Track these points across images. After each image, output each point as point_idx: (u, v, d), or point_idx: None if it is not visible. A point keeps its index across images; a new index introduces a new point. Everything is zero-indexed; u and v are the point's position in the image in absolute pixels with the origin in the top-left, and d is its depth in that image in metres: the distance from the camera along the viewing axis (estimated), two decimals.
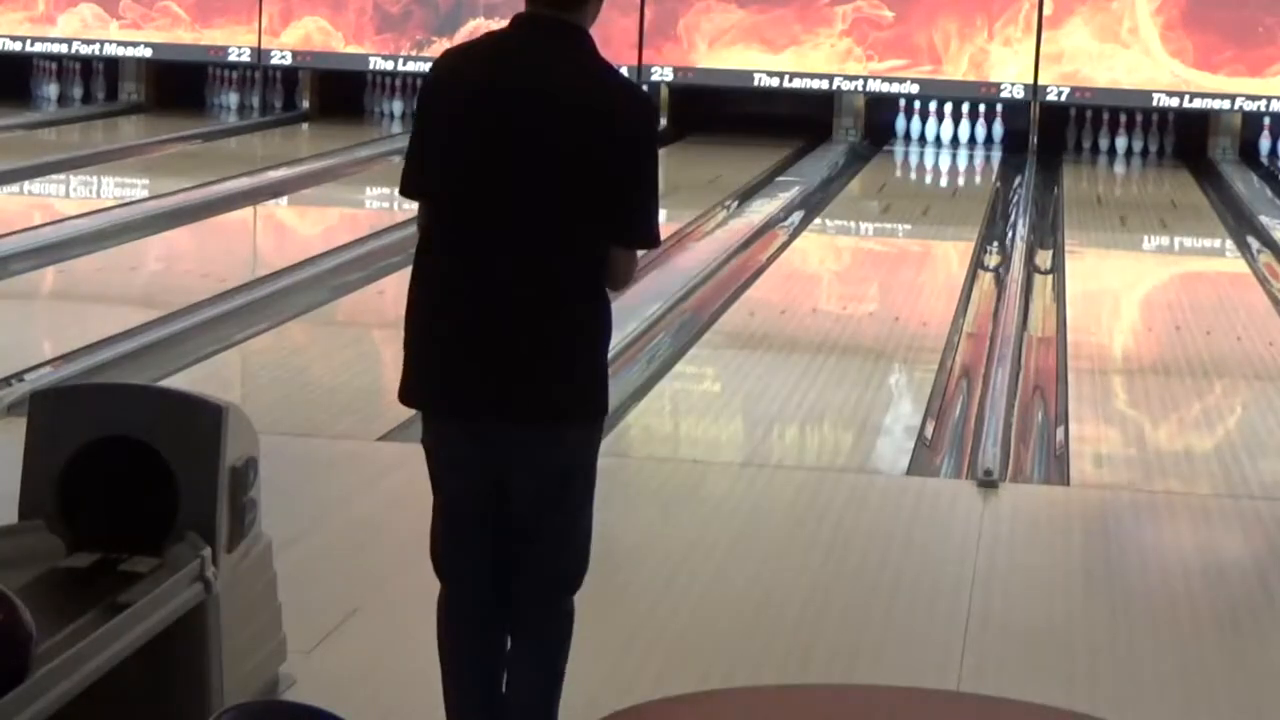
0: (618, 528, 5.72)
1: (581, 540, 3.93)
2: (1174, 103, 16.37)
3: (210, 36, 17.64)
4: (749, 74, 16.46)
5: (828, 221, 13.28)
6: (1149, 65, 16.36)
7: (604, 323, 3.81)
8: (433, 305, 3.77)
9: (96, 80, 18.36)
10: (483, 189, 3.70)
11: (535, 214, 3.67)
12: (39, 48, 17.96)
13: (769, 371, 8.45)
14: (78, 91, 18.38)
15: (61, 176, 13.78)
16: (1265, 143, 16.69)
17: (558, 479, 3.81)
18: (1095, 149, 17.00)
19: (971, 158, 16.79)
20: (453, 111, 3.73)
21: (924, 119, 17.08)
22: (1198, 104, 16.36)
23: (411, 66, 17.43)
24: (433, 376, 3.81)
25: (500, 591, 3.90)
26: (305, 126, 17.58)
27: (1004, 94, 16.60)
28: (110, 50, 17.81)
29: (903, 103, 17.03)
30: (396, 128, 17.58)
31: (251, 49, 17.53)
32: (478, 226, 3.71)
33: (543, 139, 3.65)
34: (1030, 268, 11.27)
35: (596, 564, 4.87)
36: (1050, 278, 11.05)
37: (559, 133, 3.64)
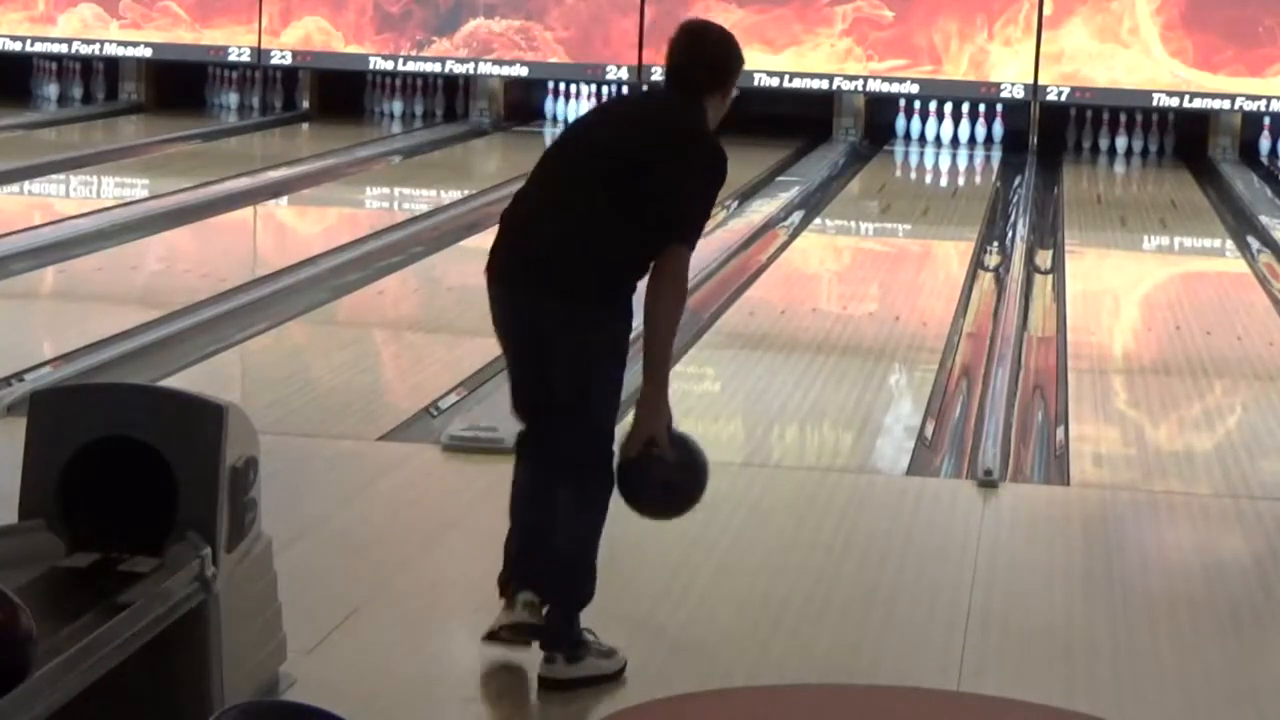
0: (618, 527, 5.71)
1: (589, 429, 4.67)
2: (1174, 103, 16.37)
3: (210, 36, 17.64)
4: (749, 74, 16.42)
5: (828, 221, 13.28)
6: (1149, 65, 16.36)
7: (627, 264, 4.70)
8: (509, 214, 4.82)
9: (96, 80, 18.36)
10: (559, 161, 4.87)
11: (587, 185, 4.71)
12: (39, 48, 17.96)
13: (769, 371, 8.45)
14: (78, 91, 18.38)
15: (61, 176, 13.78)
16: (1265, 143, 16.70)
17: (568, 355, 4.63)
18: (1095, 149, 17.00)
19: (971, 158, 16.79)
20: (573, 125, 5.04)
21: (924, 119, 17.08)
22: (1198, 104, 16.36)
23: (411, 66, 17.43)
24: (495, 257, 4.78)
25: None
26: (305, 126, 17.57)
27: (1004, 94, 16.60)
28: (110, 50, 17.80)
29: (903, 103, 17.04)
30: (396, 128, 17.59)
31: (251, 49, 17.53)
32: (550, 181, 4.79)
33: (605, 145, 4.81)
34: (1030, 268, 11.27)
35: (598, 564, 4.88)
36: (1050, 278, 11.05)
37: (620, 145, 4.79)
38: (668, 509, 4.91)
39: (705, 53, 5.03)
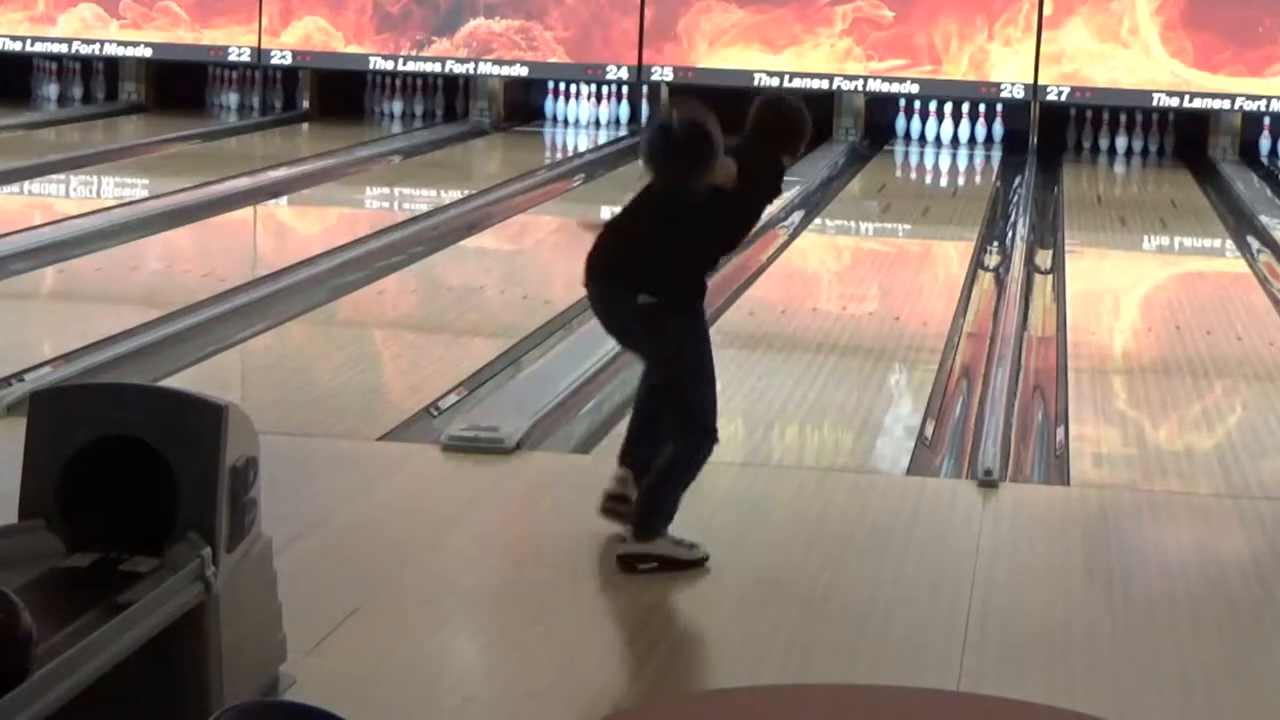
0: (618, 527, 5.72)
1: (679, 400, 5.55)
2: (1174, 103, 16.37)
3: (210, 36, 17.65)
4: (749, 74, 16.46)
5: (828, 221, 13.28)
6: (1149, 65, 16.36)
7: (698, 257, 5.66)
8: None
9: (96, 80, 18.37)
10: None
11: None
12: (39, 48, 17.96)
13: (769, 371, 8.46)
14: (78, 91, 18.38)
15: (61, 176, 13.78)
16: (1265, 143, 16.70)
17: (646, 339, 5.60)
18: (1095, 149, 17.00)
19: (971, 158, 16.79)
20: None
21: (924, 119, 17.09)
22: (1198, 104, 16.36)
23: (411, 66, 17.43)
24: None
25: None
26: (305, 126, 17.58)
27: (1004, 94, 16.60)
28: (110, 50, 17.81)
29: (903, 103, 17.04)
30: (396, 128, 17.59)
31: (251, 49, 17.54)
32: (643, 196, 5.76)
33: None
34: (1030, 268, 11.27)
35: (597, 564, 4.89)
36: (1050, 278, 11.06)
37: None
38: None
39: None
